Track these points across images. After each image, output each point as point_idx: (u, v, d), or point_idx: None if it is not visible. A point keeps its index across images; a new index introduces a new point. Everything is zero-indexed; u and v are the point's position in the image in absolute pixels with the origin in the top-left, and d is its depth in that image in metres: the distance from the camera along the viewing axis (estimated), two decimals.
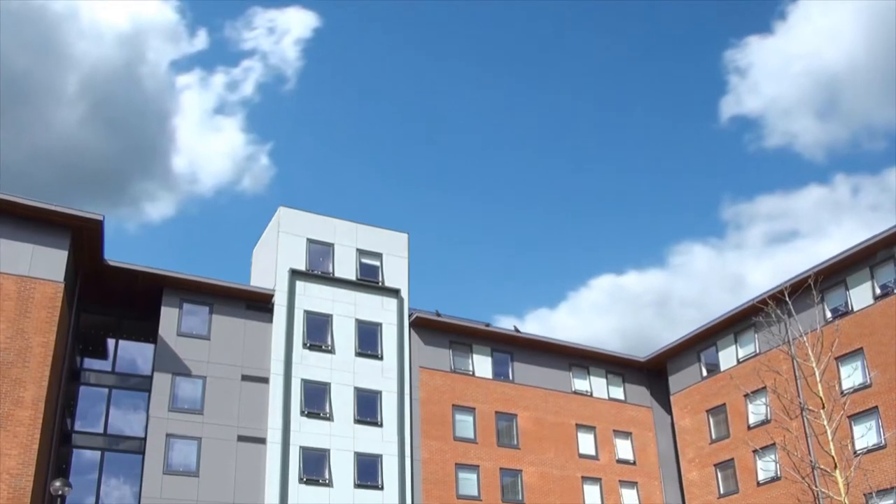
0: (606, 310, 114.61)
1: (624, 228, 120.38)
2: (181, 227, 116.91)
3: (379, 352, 42.66)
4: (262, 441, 38.52)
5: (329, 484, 38.93)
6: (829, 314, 40.37)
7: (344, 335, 42.07)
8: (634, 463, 48.81)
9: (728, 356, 46.49)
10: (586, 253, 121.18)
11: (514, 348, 47.49)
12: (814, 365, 26.00)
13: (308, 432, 39.33)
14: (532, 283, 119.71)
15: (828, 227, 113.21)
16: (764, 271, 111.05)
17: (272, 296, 41.03)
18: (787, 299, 28.38)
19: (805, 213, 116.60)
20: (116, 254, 45.10)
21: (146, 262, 38.64)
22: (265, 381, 39.71)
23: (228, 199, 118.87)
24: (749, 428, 43.79)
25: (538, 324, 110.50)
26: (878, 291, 39.23)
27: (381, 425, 41.28)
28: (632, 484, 48.05)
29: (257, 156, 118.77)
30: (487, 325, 47.43)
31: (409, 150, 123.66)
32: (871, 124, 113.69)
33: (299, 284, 41.79)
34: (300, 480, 38.34)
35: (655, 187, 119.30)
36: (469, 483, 42.88)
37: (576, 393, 48.57)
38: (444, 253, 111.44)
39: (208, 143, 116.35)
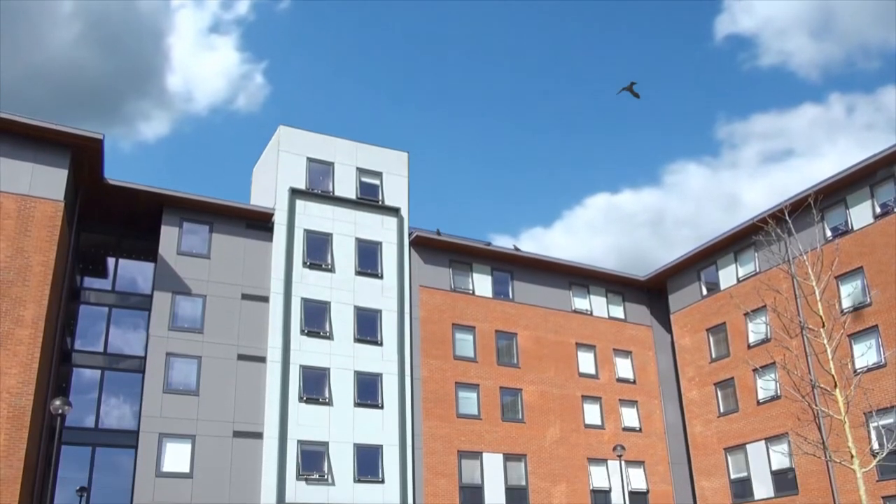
0: (601, 228, 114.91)
1: (618, 147, 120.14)
2: (176, 145, 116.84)
3: (379, 270, 42.62)
4: (262, 360, 38.62)
5: (329, 402, 39.12)
6: (828, 233, 40.25)
7: (344, 254, 41.99)
8: (634, 382, 49.05)
9: (728, 275, 46.47)
10: (581, 171, 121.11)
11: (514, 267, 47.42)
12: (814, 284, 25.96)
13: (308, 351, 39.44)
14: (526, 202, 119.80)
15: (822, 145, 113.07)
16: (758, 190, 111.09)
17: (272, 214, 40.87)
18: (787, 218, 28.24)
19: (800, 131, 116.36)
20: (112, 172, 44.93)
21: (141, 181, 38.38)
22: (265, 299, 39.72)
23: (223, 118, 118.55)
24: (749, 347, 43.91)
25: (533, 242, 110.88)
26: (877, 210, 39.02)
27: (381, 344, 41.38)
28: (632, 403, 48.35)
29: (252, 74, 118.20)
30: (488, 243, 47.33)
31: (406, 70, 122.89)
32: (865, 43, 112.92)
33: (299, 203, 41.59)
34: (300, 399, 38.53)
35: (650, 106, 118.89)
36: (469, 402, 43.09)
37: (576, 312, 48.65)
38: (439, 172, 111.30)
39: (203, 62, 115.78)
